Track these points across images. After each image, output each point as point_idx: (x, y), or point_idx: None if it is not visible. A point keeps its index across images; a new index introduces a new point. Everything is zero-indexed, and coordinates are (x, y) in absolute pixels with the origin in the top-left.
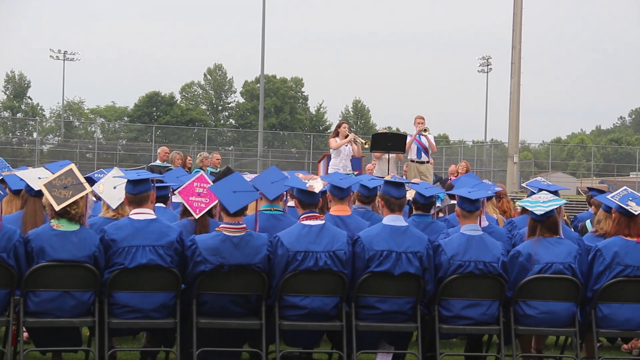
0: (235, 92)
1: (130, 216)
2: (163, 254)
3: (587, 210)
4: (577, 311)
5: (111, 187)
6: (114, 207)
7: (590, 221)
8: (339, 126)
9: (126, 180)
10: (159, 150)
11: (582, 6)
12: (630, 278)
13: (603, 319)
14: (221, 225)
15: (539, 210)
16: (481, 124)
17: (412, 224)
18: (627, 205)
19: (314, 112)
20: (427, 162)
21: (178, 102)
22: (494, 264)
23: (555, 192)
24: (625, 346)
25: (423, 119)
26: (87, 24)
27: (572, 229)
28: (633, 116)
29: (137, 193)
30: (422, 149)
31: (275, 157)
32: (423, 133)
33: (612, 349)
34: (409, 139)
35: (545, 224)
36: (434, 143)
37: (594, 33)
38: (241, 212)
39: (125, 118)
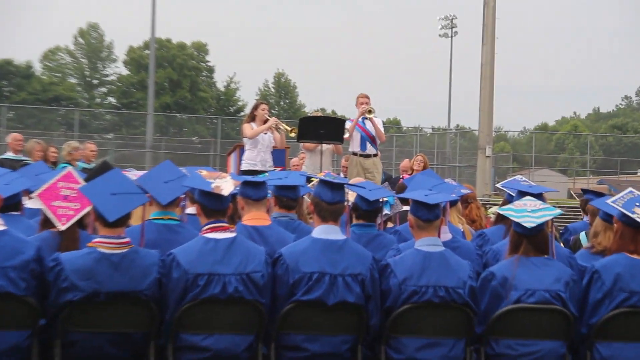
0: (116, 60)
1: None
2: (15, 277)
3: (582, 219)
4: (566, 353)
5: None
6: None
7: (586, 233)
8: (255, 107)
9: None
10: (9, 139)
11: None
12: (636, 309)
13: None
14: (95, 240)
15: (528, 223)
16: (443, 106)
17: (353, 237)
18: (634, 212)
19: (222, 89)
20: (374, 155)
21: (38, 74)
22: (459, 289)
23: (539, 196)
24: None
25: (367, 98)
26: None
27: (562, 244)
28: None
29: None
30: (367, 138)
31: (171, 148)
32: (367, 116)
33: None
34: (348, 125)
35: (533, 240)
36: (382, 130)
37: None
38: (123, 221)
39: None
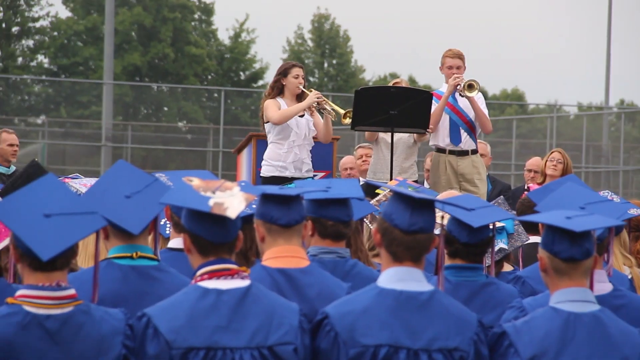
0: None
1: None
2: None
3: None
4: None
5: None
6: None
7: None
8: (284, 73)
9: None
10: None
11: None
12: None
13: None
14: (20, 293)
15: None
16: (597, 70)
17: (446, 288)
18: None
19: (227, 43)
20: (474, 152)
21: None
22: None
23: None
24: None
25: (461, 59)
26: None
27: None
28: None
29: None
30: (462, 124)
31: (141, 140)
32: (466, 94)
33: None
34: (436, 104)
35: None
36: (486, 112)
37: None
38: (64, 262)
39: None
